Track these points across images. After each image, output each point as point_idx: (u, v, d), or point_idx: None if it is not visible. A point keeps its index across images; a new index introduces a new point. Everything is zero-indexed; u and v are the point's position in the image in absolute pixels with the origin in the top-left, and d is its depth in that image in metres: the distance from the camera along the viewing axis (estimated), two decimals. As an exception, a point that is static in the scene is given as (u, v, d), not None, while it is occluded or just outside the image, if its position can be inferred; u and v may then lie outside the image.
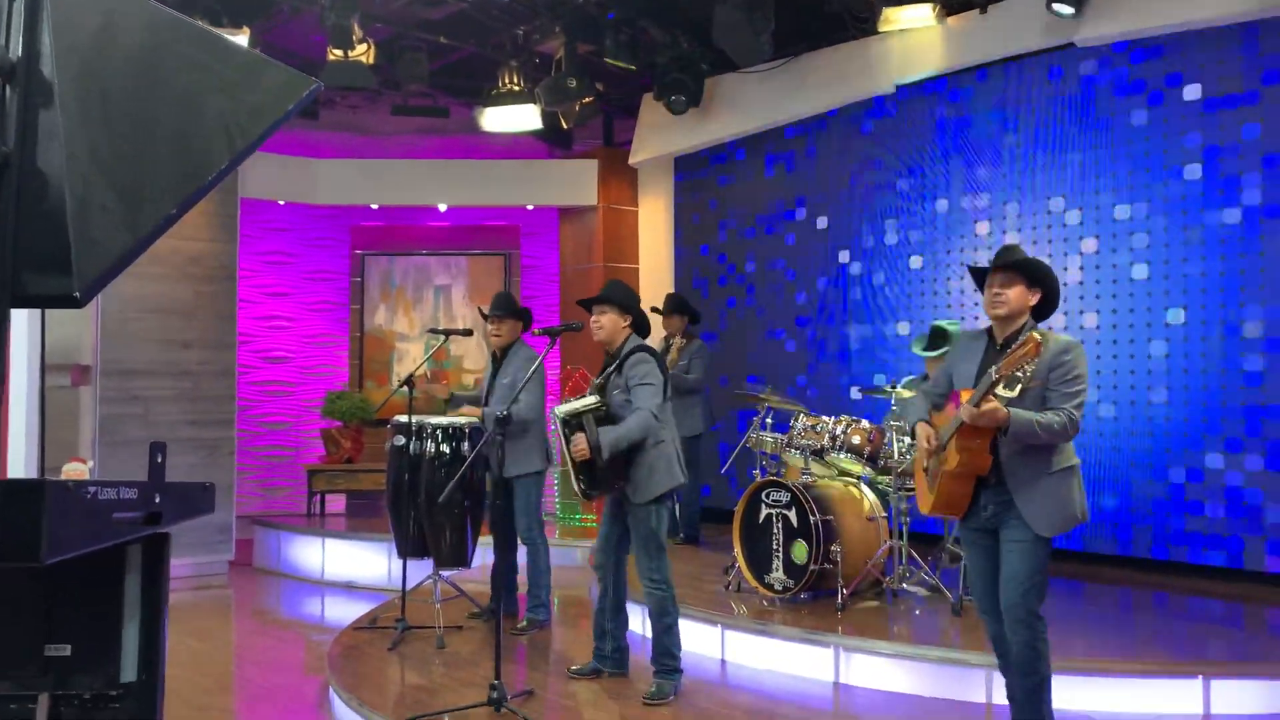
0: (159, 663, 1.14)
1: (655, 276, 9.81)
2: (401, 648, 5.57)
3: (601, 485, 4.63)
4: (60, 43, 0.94)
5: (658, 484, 4.61)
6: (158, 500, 1.08)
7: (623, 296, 4.82)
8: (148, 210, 1.01)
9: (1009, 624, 3.75)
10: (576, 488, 4.67)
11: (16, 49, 0.92)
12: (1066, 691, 4.33)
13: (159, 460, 1.10)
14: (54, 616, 1.12)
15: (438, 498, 5.49)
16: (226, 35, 1.34)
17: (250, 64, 1.14)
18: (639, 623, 5.60)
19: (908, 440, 5.70)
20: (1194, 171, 6.32)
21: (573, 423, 4.61)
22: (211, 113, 1.08)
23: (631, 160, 9.72)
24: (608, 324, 4.74)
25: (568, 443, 4.61)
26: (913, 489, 5.59)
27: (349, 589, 8.19)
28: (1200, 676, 4.43)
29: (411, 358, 10.34)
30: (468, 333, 6.45)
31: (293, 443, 10.37)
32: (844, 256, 8.19)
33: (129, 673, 1.14)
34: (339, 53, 7.46)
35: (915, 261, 7.71)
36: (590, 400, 4.68)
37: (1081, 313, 6.80)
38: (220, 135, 1.09)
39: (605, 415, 4.62)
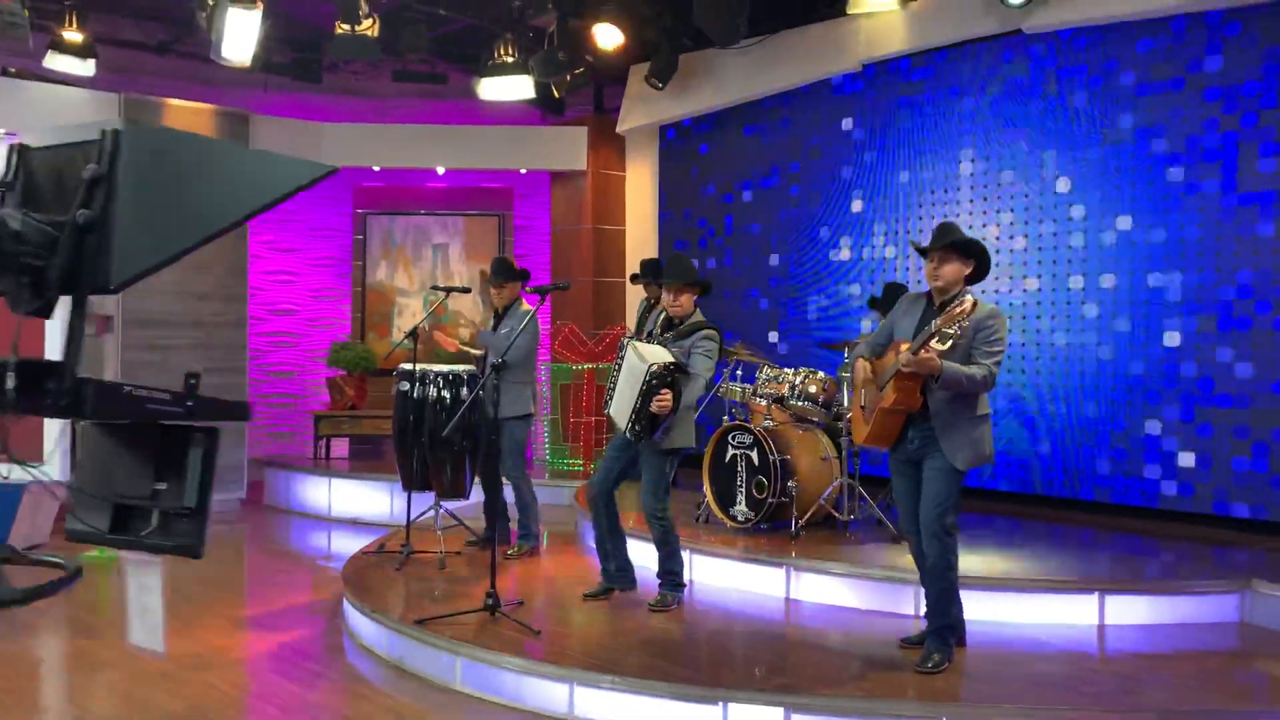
0: (208, 497, 1.99)
1: (641, 238, 10.44)
2: (407, 568, 6.27)
3: (651, 432, 5.10)
4: (127, 160, 1.77)
5: (680, 437, 5.27)
6: (189, 403, 1.94)
7: (694, 276, 5.42)
8: (165, 246, 1.84)
9: (926, 538, 4.45)
10: (628, 429, 5.07)
11: (105, 166, 1.76)
12: (979, 604, 5.05)
13: (192, 382, 1.95)
14: (160, 468, 2.02)
15: (440, 436, 6.15)
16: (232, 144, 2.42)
17: (261, 162, 1.96)
18: (635, 548, 6.17)
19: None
20: (1127, 150, 6.96)
21: (665, 376, 5.02)
22: (221, 193, 1.90)
23: (619, 129, 10.30)
24: (685, 302, 5.40)
25: (651, 390, 4.98)
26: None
27: (354, 524, 8.89)
28: (1096, 592, 5.16)
29: (411, 311, 10.98)
30: (466, 290, 7.13)
31: (298, 390, 11.03)
32: (813, 221, 8.82)
33: (190, 500, 1.98)
34: (346, 26, 8.01)
35: (877, 229, 8.36)
36: (669, 356, 5.09)
37: (1025, 277, 7.47)
38: (230, 204, 1.91)
39: (682, 374, 5.11)
